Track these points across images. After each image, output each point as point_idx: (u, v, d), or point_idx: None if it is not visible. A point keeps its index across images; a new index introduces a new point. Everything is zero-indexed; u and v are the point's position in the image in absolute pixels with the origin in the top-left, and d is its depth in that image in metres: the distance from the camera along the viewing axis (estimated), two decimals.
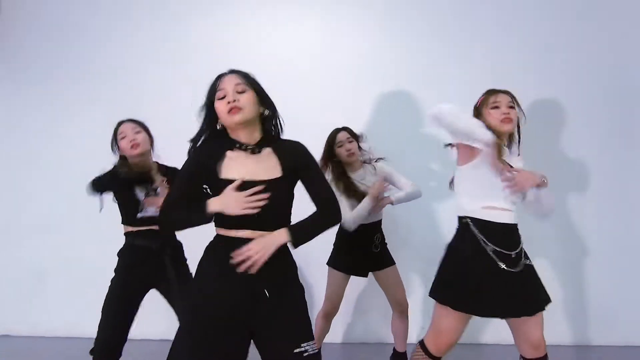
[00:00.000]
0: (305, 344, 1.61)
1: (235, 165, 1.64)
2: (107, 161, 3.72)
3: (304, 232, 1.64)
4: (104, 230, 3.60)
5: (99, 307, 3.71)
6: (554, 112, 3.86)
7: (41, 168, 3.85)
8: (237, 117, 1.60)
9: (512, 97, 2.13)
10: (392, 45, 3.84)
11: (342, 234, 2.81)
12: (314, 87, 3.81)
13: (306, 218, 1.68)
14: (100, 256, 3.59)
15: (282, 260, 1.65)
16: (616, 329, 3.74)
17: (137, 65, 3.88)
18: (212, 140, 1.69)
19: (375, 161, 2.89)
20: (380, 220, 2.88)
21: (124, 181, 2.56)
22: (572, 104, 3.85)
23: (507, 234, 1.99)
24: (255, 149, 1.65)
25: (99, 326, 2.56)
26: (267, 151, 1.67)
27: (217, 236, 1.68)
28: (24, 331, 3.77)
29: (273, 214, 1.63)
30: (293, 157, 1.69)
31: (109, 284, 2.57)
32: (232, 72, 1.68)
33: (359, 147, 2.84)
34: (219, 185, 1.62)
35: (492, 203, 1.98)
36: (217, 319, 1.60)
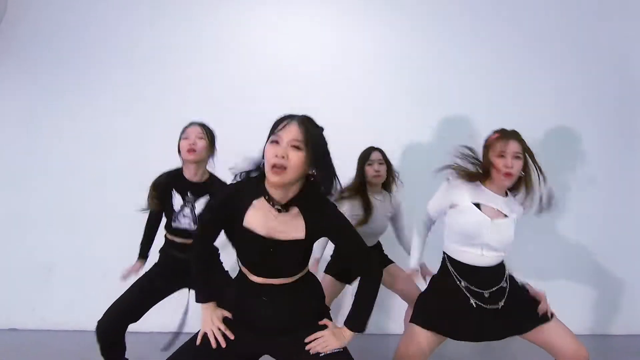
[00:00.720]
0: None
1: (259, 217, 1.59)
2: (116, 157, 3.76)
3: (363, 318, 1.64)
4: (112, 226, 3.72)
5: (106, 301, 3.74)
6: (557, 114, 3.88)
7: (50, 162, 3.85)
8: (276, 178, 1.49)
9: (523, 143, 2.09)
10: (404, 46, 3.86)
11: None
12: (328, 87, 3.83)
13: (356, 300, 1.66)
14: (107, 251, 3.68)
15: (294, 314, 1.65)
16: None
17: (145, 61, 3.86)
18: (249, 181, 1.62)
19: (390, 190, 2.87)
20: (379, 242, 2.91)
21: (165, 185, 2.54)
22: (575, 106, 3.87)
23: (480, 274, 2.02)
24: (282, 209, 1.57)
25: (111, 304, 2.59)
26: (295, 211, 1.59)
27: (240, 272, 1.71)
28: (31, 325, 3.77)
29: (289, 266, 1.63)
30: (321, 221, 1.60)
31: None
32: (301, 119, 1.54)
33: (391, 172, 2.82)
34: (240, 232, 1.60)
35: (466, 248, 2.04)
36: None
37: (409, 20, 3.90)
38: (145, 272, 2.63)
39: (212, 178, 2.48)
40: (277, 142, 1.49)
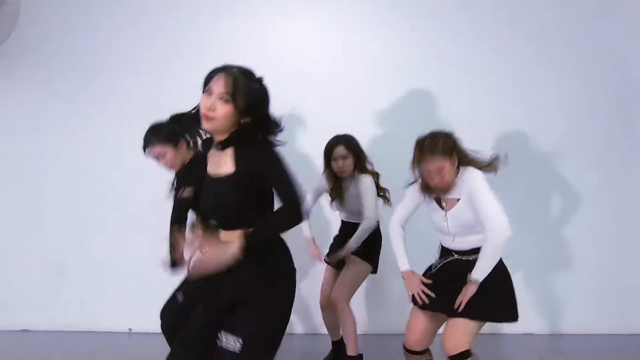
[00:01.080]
0: (225, 335, 1.61)
1: (210, 161, 1.73)
2: (124, 160, 3.77)
3: (258, 237, 1.58)
4: (122, 228, 3.76)
5: (116, 302, 3.80)
6: (557, 113, 3.89)
7: (59, 165, 3.90)
8: (207, 125, 1.61)
9: (440, 153, 2.11)
10: (405, 46, 3.90)
11: (338, 236, 3.04)
12: (329, 87, 3.85)
13: (266, 218, 1.65)
14: (117, 253, 3.74)
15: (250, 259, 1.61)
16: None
17: (159, 60, 3.91)
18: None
19: (363, 172, 2.88)
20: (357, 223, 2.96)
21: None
22: (575, 105, 3.88)
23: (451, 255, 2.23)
24: (219, 145, 1.67)
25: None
26: (230, 150, 1.66)
27: None
28: (43, 326, 3.81)
29: (224, 207, 1.66)
30: (249, 156, 1.64)
31: None
32: (227, 72, 1.63)
33: (359, 159, 2.86)
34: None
35: (442, 236, 2.25)
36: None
37: (410, 21, 3.93)
38: None
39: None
40: (208, 93, 1.60)
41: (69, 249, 3.83)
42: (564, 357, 3.33)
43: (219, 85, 1.57)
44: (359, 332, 3.04)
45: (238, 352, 1.54)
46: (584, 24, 3.92)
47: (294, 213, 1.57)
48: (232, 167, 1.61)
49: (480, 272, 2.02)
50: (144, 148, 2.55)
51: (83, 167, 3.88)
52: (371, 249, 2.90)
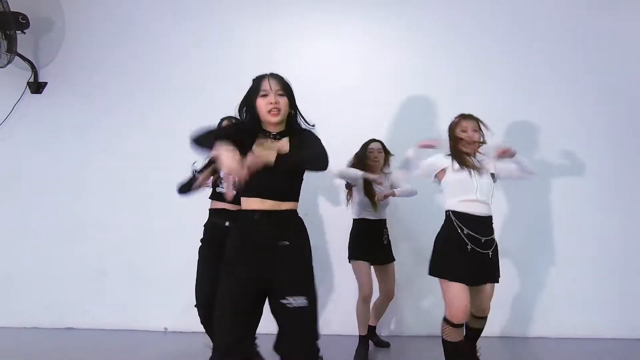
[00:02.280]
0: (290, 298, 1.81)
1: (261, 147, 1.92)
2: (160, 174, 3.84)
3: (290, 159, 1.86)
4: (158, 235, 3.89)
5: (153, 303, 3.90)
6: (556, 117, 3.92)
7: (101, 177, 4.03)
8: (276, 118, 1.89)
9: (478, 121, 2.64)
10: (423, 63, 4.00)
11: (356, 231, 3.21)
12: (351, 102, 3.97)
13: (301, 152, 1.90)
14: (154, 258, 3.88)
15: (287, 225, 1.89)
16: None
17: (191, 80, 4.05)
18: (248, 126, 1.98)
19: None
20: (385, 220, 3.27)
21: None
22: (572, 109, 3.93)
23: (479, 223, 2.46)
24: (277, 136, 1.94)
25: (195, 289, 2.78)
26: (285, 139, 1.94)
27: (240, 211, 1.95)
28: (86, 324, 3.92)
29: (278, 182, 1.86)
30: (300, 140, 1.94)
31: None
32: (273, 76, 1.94)
33: (386, 161, 3.30)
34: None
35: (465, 197, 2.47)
36: (238, 279, 1.85)
37: (427, 38, 4.02)
38: (199, 253, 2.81)
39: None
40: (265, 94, 1.89)
41: (110, 254, 3.95)
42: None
43: (273, 84, 1.90)
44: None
45: (307, 305, 1.82)
46: (591, 24, 3.96)
47: (321, 160, 1.87)
48: (287, 149, 1.91)
49: (520, 158, 2.59)
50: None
51: (122, 177, 4.00)
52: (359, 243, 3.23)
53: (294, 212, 1.96)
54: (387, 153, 3.32)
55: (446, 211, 2.53)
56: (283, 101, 1.91)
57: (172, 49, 4.09)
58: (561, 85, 3.94)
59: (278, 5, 4.07)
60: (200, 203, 3.02)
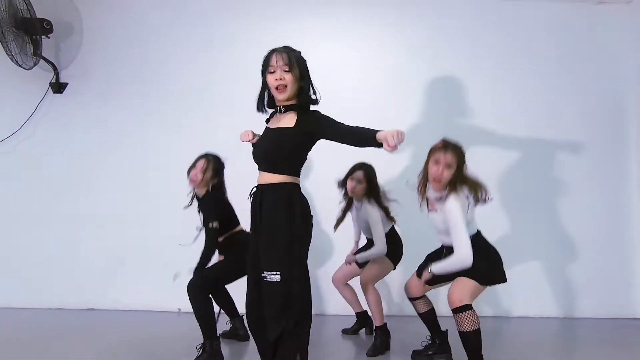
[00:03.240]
0: (266, 272, 1.85)
1: (273, 121, 2.03)
2: (173, 170, 3.83)
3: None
4: (172, 223, 3.97)
5: (167, 286, 3.99)
6: (557, 119, 4.10)
7: (119, 172, 4.15)
8: (282, 95, 1.91)
9: (456, 155, 2.38)
10: (419, 65, 4.14)
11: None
12: (350, 102, 4.03)
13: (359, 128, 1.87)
14: (168, 245, 3.97)
15: (271, 207, 1.88)
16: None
17: (199, 79, 4.18)
18: (268, 101, 2.05)
19: (372, 200, 3.04)
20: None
21: None
22: (569, 111, 4.10)
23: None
24: (282, 108, 1.97)
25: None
26: (292, 113, 1.95)
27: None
28: (107, 305, 4.04)
29: (276, 151, 1.91)
30: (311, 118, 1.93)
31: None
32: (280, 50, 1.93)
33: (373, 187, 3.05)
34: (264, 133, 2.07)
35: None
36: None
37: (422, 43, 4.16)
38: None
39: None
40: (273, 71, 1.90)
41: (128, 241, 4.08)
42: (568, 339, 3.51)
43: (279, 60, 1.90)
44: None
45: (279, 280, 1.84)
46: (578, 40, 4.13)
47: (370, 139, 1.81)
48: (293, 122, 1.91)
49: (438, 269, 2.40)
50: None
51: (138, 171, 4.13)
52: (393, 251, 3.13)
53: (290, 186, 1.91)
54: (370, 179, 3.06)
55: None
56: (289, 77, 1.89)
57: (182, 51, 4.22)
58: (545, 85, 4.11)
59: (281, 10, 4.20)
60: None
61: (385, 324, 3.09)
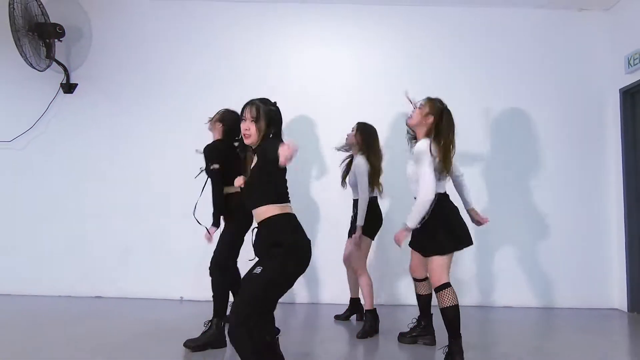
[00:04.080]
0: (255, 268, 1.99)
1: (250, 161, 2.17)
2: (176, 166, 4.15)
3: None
4: (175, 216, 4.13)
5: (170, 275, 4.14)
6: (531, 120, 4.26)
7: (126, 168, 4.29)
8: (247, 140, 2.10)
9: (428, 104, 2.60)
10: (408, 67, 4.29)
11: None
12: (341, 100, 4.21)
13: None
14: (171, 236, 4.16)
15: (265, 240, 2.04)
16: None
17: (201, 79, 4.33)
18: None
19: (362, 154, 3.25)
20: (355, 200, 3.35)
21: None
22: (542, 112, 4.27)
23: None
24: (252, 148, 2.13)
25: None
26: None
27: None
28: (113, 293, 4.19)
29: (250, 193, 2.09)
30: (260, 152, 2.07)
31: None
32: (250, 104, 2.10)
33: (368, 145, 3.27)
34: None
35: None
36: None
37: (412, 46, 4.31)
38: None
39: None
40: (244, 120, 2.09)
41: (133, 233, 4.23)
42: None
43: (248, 112, 2.09)
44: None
45: (259, 273, 1.96)
46: (560, 44, 4.30)
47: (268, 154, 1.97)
48: (255, 161, 2.10)
49: (410, 220, 2.53)
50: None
51: (143, 165, 4.27)
52: (370, 225, 3.29)
53: (271, 218, 2.05)
54: (363, 137, 3.29)
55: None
56: (253, 127, 2.06)
57: (183, 54, 4.38)
58: (529, 85, 4.27)
59: (278, 15, 4.36)
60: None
61: (375, 309, 3.24)
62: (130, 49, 4.42)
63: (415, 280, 2.95)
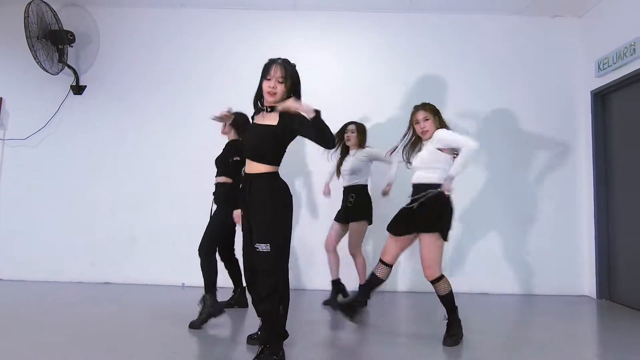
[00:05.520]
0: (258, 244, 2.09)
1: (258, 118, 2.23)
2: (178, 160, 4.34)
3: (318, 116, 2.06)
4: (177, 208, 4.31)
5: (173, 263, 4.28)
6: (516, 119, 4.44)
7: (132, 163, 4.43)
8: (271, 99, 2.12)
9: (428, 110, 2.76)
10: (394, 74, 4.43)
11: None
12: (332, 104, 4.06)
13: (323, 125, 2.08)
14: (174, 226, 4.31)
15: (261, 193, 2.11)
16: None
17: (202, 83, 4.47)
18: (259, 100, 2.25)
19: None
20: (355, 185, 3.54)
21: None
22: (528, 119, 4.44)
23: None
24: (267, 109, 2.18)
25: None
26: (275, 113, 2.15)
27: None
28: (120, 280, 4.33)
29: (263, 146, 2.12)
30: (288, 117, 2.11)
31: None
32: (280, 64, 2.11)
33: (364, 139, 3.60)
34: (249, 128, 2.29)
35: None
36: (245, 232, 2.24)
37: (398, 56, 4.47)
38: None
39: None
40: (269, 79, 2.11)
41: (138, 224, 4.39)
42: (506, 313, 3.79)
43: (277, 71, 2.11)
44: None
45: (269, 251, 2.08)
46: (535, 49, 4.47)
47: (332, 142, 2.13)
48: (275, 122, 2.13)
49: (456, 168, 2.59)
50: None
51: (148, 162, 4.42)
52: (365, 209, 3.53)
53: (272, 175, 2.14)
54: (359, 131, 3.61)
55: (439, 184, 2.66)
56: (280, 88, 2.08)
57: (185, 58, 4.54)
58: (506, 88, 4.45)
59: (274, 22, 4.53)
60: (210, 185, 3.46)
61: (362, 284, 3.44)
62: (136, 53, 4.58)
63: (381, 262, 2.79)
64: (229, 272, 3.49)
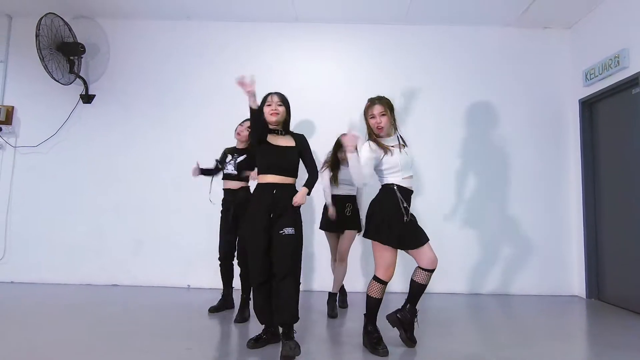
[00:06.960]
0: (285, 229, 2.47)
1: (272, 139, 2.60)
2: (188, 159, 4.14)
3: (310, 189, 2.61)
4: (183, 212, 4.34)
5: (179, 266, 4.31)
6: (503, 122, 4.48)
7: (140, 168, 4.46)
8: (274, 117, 2.58)
9: (385, 104, 2.56)
10: (389, 78, 4.47)
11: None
12: (332, 107, 4.38)
13: (307, 180, 2.60)
14: (180, 230, 4.34)
15: (288, 199, 2.54)
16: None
17: (206, 91, 4.51)
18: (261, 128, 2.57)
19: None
20: (350, 196, 3.53)
21: (224, 153, 3.56)
22: (518, 122, 4.48)
23: (409, 195, 2.56)
24: (282, 132, 2.65)
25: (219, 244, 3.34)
26: (289, 135, 2.65)
27: (257, 184, 2.60)
28: (128, 282, 4.35)
29: (290, 163, 2.57)
30: (300, 141, 2.65)
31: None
32: (279, 93, 2.64)
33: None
34: (265, 147, 2.57)
35: (399, 175, 2.53)
36: (257, 227, 2.51)
37: (393, 61, 4.52)
38: (220, 221, 3.38)
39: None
40: (270, 104, 2.58)
41: (145, 228, 4.41)
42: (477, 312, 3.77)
43: (274, 98, 2.61)
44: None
45: (294, 233, 2.49)
46: (526, 60, 4.52)
47: (317, 176, 2.65)
48: (294, 142, 2.62)
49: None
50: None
51: (154, 167, 4.45)
52: (358, 217, 3.55)
53: (294, 185, 2.63)
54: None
55: (388, 185, 2.51)
56: (281, 109, 2.60)
57: (189, 68, 4.59)
58: (498, 96, 4.49)
59: (276, 34, 4.59)
60: (214, 189, 3.59)
61: (336, 293, 3.52)
62: (143, 64, 4.62)
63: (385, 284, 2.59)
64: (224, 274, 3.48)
